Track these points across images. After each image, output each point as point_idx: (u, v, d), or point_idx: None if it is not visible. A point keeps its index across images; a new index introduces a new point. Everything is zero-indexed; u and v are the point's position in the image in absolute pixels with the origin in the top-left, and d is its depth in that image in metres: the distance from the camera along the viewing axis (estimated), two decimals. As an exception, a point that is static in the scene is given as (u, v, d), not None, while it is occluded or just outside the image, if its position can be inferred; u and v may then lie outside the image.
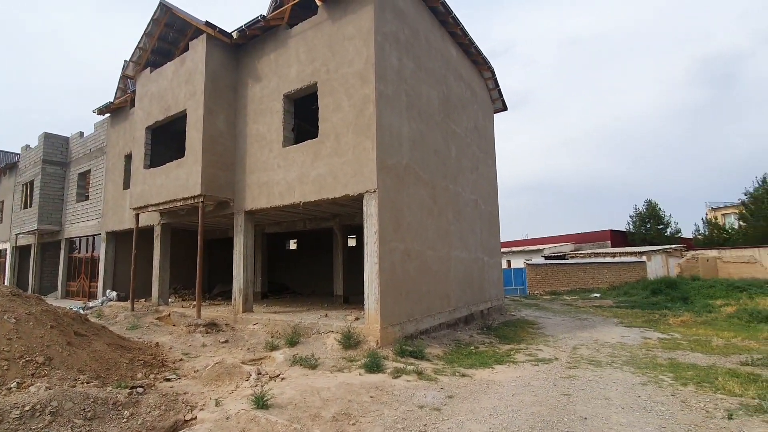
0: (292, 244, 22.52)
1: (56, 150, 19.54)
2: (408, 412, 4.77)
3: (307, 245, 21.23)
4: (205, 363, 7.15)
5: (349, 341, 7.93)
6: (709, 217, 38.57)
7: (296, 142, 10.26)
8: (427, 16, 11.13)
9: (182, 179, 11.13)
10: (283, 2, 10.40)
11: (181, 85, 11.50)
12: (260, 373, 6.48)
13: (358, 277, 9.70)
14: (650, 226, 38.17)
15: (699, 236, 36.65)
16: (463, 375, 6.55)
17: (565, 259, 29.93)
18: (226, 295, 16.58)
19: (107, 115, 16.97)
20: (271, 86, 10.60)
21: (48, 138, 19.38)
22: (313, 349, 7.88)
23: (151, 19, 12.48)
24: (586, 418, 4.60)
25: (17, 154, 23.52)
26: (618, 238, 37.67)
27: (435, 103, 11.18)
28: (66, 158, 19.69)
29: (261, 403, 4.69)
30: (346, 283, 14.73)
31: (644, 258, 25.80)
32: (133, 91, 14.42)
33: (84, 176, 18.75)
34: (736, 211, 35.14)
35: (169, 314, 11.82)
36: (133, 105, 14.98)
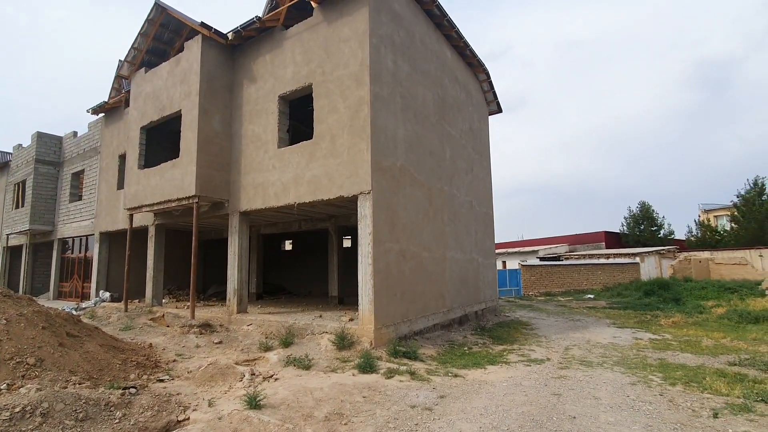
0: (288, 245, 22.51)
1: (49, 149, 19.42)
2: (400, 412, 4.80)
3: (302, 246, 21.22)
4: (198, 364, 7.15)
5: (343, 342, 7.96)
6: (701, 219, 38.93)
7: (291, 143, 10.29)
8: (423, 19, 11.19)
9: (177, 180, 11.11)
10: (279, 4, 10.43)
11: (176, 86, 11.49)
12: (254, 374, 6.49)
13: (353, 278, 9.73)
14: (644, 228, 38.50)
15: (692, 238, 37.00)
16: (456, 375, 6.59)
17: (559, 260, 30.10)
18: (221, 296, 16.56)
19: (101, 114, 16.90)
20: (267, 87, 10.61)
21: (41, 137, 19.25)
22: (307, 349, 7.89)
23: (147, 19, 12.47)
24: (575, 417, 4.66)
25: (8, 153, 23.34)
26: (612, 239, 37.95)
27: (430, 105, 11.24)
28: (59, 158, 19.58)
29: (254, 403, 4.71)
30: (341, 284, 14.76)
31: (638, 259, 25.99)
32: (128, 91, 14.38)
33: (77, 176, 18.65)
34: (728, 213, 35.51)
35: (163, 315, 11.79)
36: (127, 105, 14.94)
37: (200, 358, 7.77)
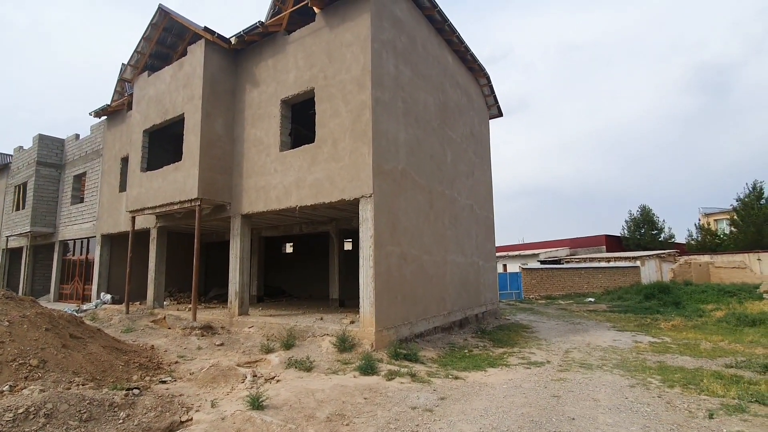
0: (288, 248, 22.57)
1: (51, 152, 19.52)
2: (401, 413, 4.85)
3: (303, 249, 21.28)
4: (200, 365, 7.19)
5: (344, 344, 8.00)
6: (702, 222, 39.01)
7: (293, 147, 10.36)
8: (424, 24, 11.30)
9: (179, 182, 11.19)
10: (282, 9, 10.55)
11: (179, 89, 11.59)
12: (256, 376, 6.54)
13: (354, 281, 9.78)
14: (644, 232, 38.59)
15: (692, 241, 37.08)
16: (456, 377, 6.63)
17: (560, 263, 30.14)
18: (222, 299, 16.61)
19: (104, 117, 17.00)
20: (269, 91, 10.70)
21: (43, 140, 19.36)
22: (309, 351, 7.94)
23: (150, 23, 12.58)
24: (573, 419, 4.70)
25: (8, 155, 23.45)
26: (613, 242, 38.01)
27: (431, 110, 11.33)
28: (61, 160, 19.67)
29: (256, 404, 4.76)
30: (342, 287, 14.80)
31: (638, 263, 26.03)
32: (130, 94, 14.49)
33: (79, 178, 18.74)
34: (729, 217, 35.58)
35: (165, 317, 11.82)
36: (130, 108, 15.04)
37: (202, 359, 7.81)
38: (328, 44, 9.62)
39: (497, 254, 18.76)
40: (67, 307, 14.48)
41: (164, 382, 6.35)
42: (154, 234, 13.67)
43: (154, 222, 13.63)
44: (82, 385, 5.38)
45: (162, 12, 12.33)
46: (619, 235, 39.88)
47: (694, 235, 37.71)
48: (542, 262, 31.05)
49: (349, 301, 14.87)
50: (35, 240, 19.93)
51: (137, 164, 12.92)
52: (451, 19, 11.71)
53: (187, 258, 17.00)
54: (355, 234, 17.61)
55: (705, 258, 26.96)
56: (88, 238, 17.55)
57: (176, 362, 7.58)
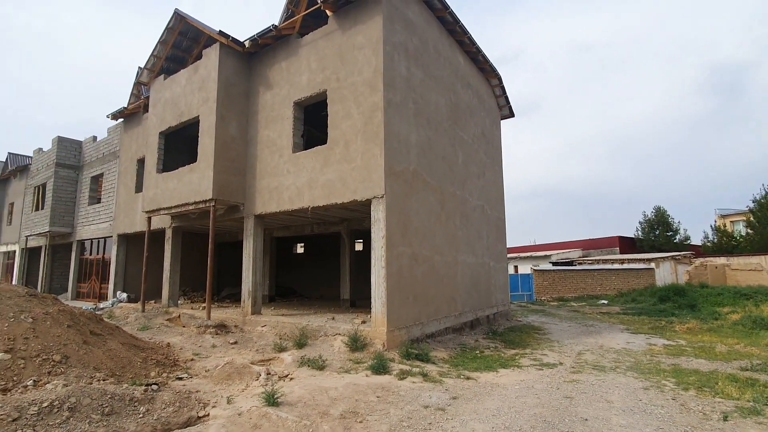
0: (299, 248, 22.75)
1: (69, 153, 19.98)
2: (413, 412, 4.90)
3: (314, 249, 21.43)
4: (215, 363, 7.33)
5: (356, 344, 8.07)
6: (717, 224, 38.30)
7: (306, 148, 10.48)
8: (436, 26, 11.34)
9: (194, 183, 11.39)
10: (295, 12, 10.68)
11: (195, 92, 11.80)
12: (269, 373, 6.64)
13: (365, 282, 9.85)
14: (659, 233, 38.02)
15: (708, 243, 36.45)
16: (468, 378, 6.66)
17: (572, 265, 29.86)
18: (234, 298, 16.81)
19: (120, 120, 17.36)
20: (282, 94, 10.85)
21: (61, 142, 19.82)
22: (321, 350, 8.02)
23: (166, 27, 12.83)
24: (587, 420, 4.70)
25: (27, 156, 24.04)
26: (626, 244, 37.52)
27: (443, 111, 11.36)
28: (79, 162, 20.12)
29: (272, 400, 4.85)
30: (353, 287, 14.88)
31: (653, 265, 25.69)
32: (147, 97, 14.78)
33: (96, 179, 19.14)
34: (745, 218, 34.89)
35: (179, 316, 12.04)
36: (146, 110, 15.35)
37: (217, 357, 7.95)
38: (341, 47, 9.72)
39: (508, 255, 18.68)
40: (85, 306, 14.81)
41: (181, 378, 6.48)
42: (169, 234, 13.92)
43: (169, 222, 13.88)
44: (103, 380, 5.53)
45: (178, 16, 12.57)
46: (633, 236, 39.34)
47: (710, 237, 37.07)
48: (554, 264, 30.78)
49: (360, 302, 14.95)
50: (54, 239, 20.40)
51: (153, 166, 13.18)
52: (462, 20, 11.74)
53: (201, 258, 17.26)
54: (365, 234, 17.70)
55: (721, 260, 26.49)
56: (104, 237, 17.92)
57: (192, 359, 7.73)
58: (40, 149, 21.47)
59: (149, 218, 13.46)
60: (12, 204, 24.55)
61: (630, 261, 28.01)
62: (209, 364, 7.29)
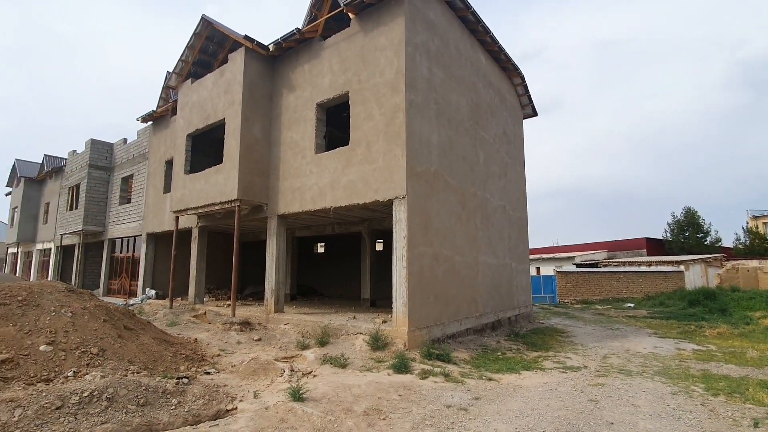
0: (320, 248, 23.01)
1: (101, 155, 20.77)
2: (436, 411, 4.94)
3: (334, 249, 21.64)
4: (240, 359, 7.52)
5: (377, 343, 8.15)
6: (749, 225, 36.81)
7: (328, 149, 10.63)
8: (457, 26, 11.32)
9: (220, 184, 11.70)
10: (318, 16, 10.85)
11: (221, 95, 12.12)
12: (293, 370, 6.79)
13: (386, 281, 9.92)
14: (689, 235, 36.78)
15: (739, 245, 35.08)
16: (490, 379, 6.64)
17: (597, 267, 29.20)
18: (257, 296, 17.15)
19: (149, 122, 17.95)
20: (305, 95, 11.03)
21: (94, 144, 20.62)
22: (343, 349, 8.13)
23: (194, 33, 13.21)
24: (612, 423, 4.64)
25: (62, 158, 25.08)
26: (654, 246, 36.44)
27: (464, 111, 11.34)
28: (110, 163, 20.89)
29: (297, 396, 4.98)
30: (373, 287, 14.97)
31: (682, 267, 24.88)
32: (175, 101, 15.24)
33: (126, 180, 19.84)
34: (780, 220, 33.42)
35: (205, 312, 12.38)
36: (174, 113, 15.82)
37: (242, 353, 8.16)
38: (363, 49, 9.82)
39: (530, 257, 18.44)
40: (115, 302, 15.38)
41: (209, 373, 6.70)
42: (195, 233, 14.32)
43: (195, 222, 14.27)
44: (137, 372, 5.77)
45: (205, 22, 12.93)
46: (662, 238, 38.17)
47: (742, 239, 35.64)
48: (578, 266, 30.16)
49: (380, 301, 15.04)
50: (86, 238, 21.23)
51: (181, 167, 13.59)
52: (484, 18, 11.68)
53: (224, 256, 17.68)
54: (386, 235, 17.77)
55: (753, 263, 25.44)
56: (134, 236, 18.55)
57: (218, 355, 7.96)
58: (74, 151, 22.38)
59: (177, 218, 13.88)
60: (48, 204, 25.67)
61: (658, 263, 27.19)
62: (235, 360, 7.49)
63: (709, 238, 36.58)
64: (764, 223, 36.61)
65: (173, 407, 4.81)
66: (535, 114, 17.16)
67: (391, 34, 9.25)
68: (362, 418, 4.62)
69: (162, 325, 10.61)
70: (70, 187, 21.92)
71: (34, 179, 26.99)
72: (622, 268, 26.20)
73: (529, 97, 16.34)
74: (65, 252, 23.82)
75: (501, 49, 13.12)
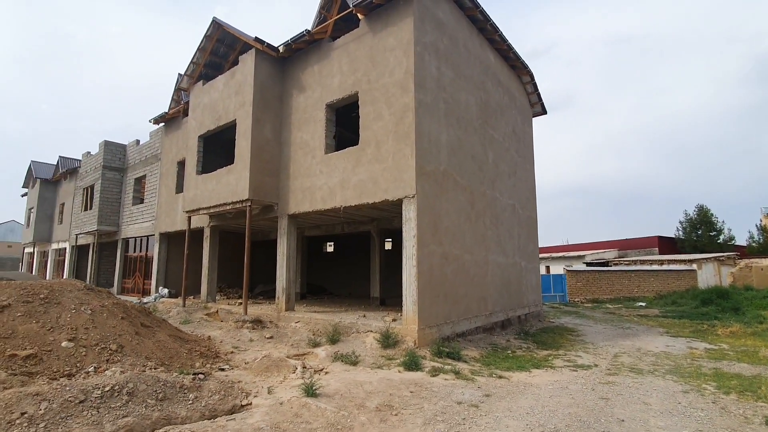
0: (329, 247, 23.17)
1: (115, 156, 21.14)
2: (447, 407, 5.00)
3: (343, 248, 21.78)
4: (253, 356, 7.66)
5: (388, 341, 8.23)
6: (763, 223, 36.20)
7: (338, 149, 10.73)
8: (466, 25, 11.34)
9: (232, 184, 11.87)
10: (327, 17, 10.95)
11: (231, 97, 12.29)
12: (305, 367, 6.90)
13: (395, 280, 10.00)
14: (701, 233, 36.33)
15: (753, 244, 34.56)
16: (500, 377, 6.69)
17: (608, 266, 28.96)
18: (267, 295, 17.34)
19: (161, 124, 18.22)
20: (315, 96, 11.14)
21: (108, 145, 20.99)
22: (353, 347, 8.22)
23: (205, 35, 13.40)
24: (623, 421, 4.67)
25: (77, 159, 25.55)
26: (666, 244, 36.04)
27: (473, 110, 11.36)
28: (123, 164, 21.25)
29: (310, 391, 5.08)
30: (382, 286, 15.06)
31: (694, 266, 24.58)
32: (186, 102, 15.47)
33: (139, 181, 20.17)
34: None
35: (217, 311, 12.57)
36: (185, 115, 16.06)
37: (254, 350, 8.29)
38: (372, 49, 9.89)
39: (540, 255, 18.39)
40: (130, 300, 15.66)
41: (223, 369, 6.84)
42: (207, 233, 14.53)
43: (207, 221, 14.48)
44: (154, 368, 5.92)
45: (216, 24, 13.11)
46: (674, 236, 37.73)
47: (756, 237, 35.10)
48: (588, 264, 29.95)
49: (389, 300, 15.12)
50: (101, 238, 21.63)
51: (193, 167, 13.79)
52: (492, 16, 11.69)
53: (234, 256, 17.88)
54: (395, 234, 17.85)
55: (767, 261, 25.02)
56: (147, 236, 18.87)
57: (231, 352, 8.10)
58: (88, 153, 22.79)
59: (189, 218, 14.09)
60: (63, 204, 26.17)
61: (670, 262, 26.88)
62: (248, 357, 7.63)
63: (722, 237, 36.08)
64: (779, 221, 36.01)
65: (190, 402, 4.94)
66: (544, 112, 17.10)
67: (400, 34, 9.31)
68: (375, 413, 4.71)
69: (176, 323, 10.80)
70: (84, 188, 22.33)
71: (49, 180, 27.55)
72: (633, 267, 25.96)
73: (539, 95, 16.29)
74: (80, 251, 24.27)
75: (510, 48, 13.11)
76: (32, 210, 28.34)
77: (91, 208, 21.36)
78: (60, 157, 26.10)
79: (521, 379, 6.59)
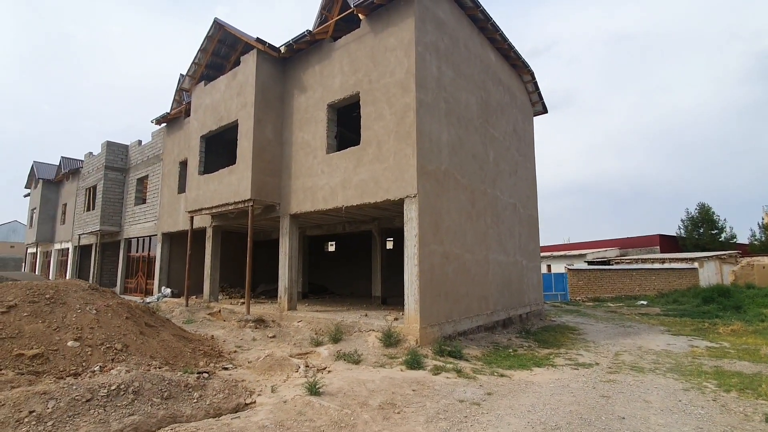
0: (331, 247, 23.22)
1: (117, 157, 21.21)
2: (449, 405, 5.05)
3: (345, 247, 21.83)
4: (256, 355, 7.72)
5: (390, 340, 8.28)
6: (765, 221, 36.16)
7: (339, 149, 10.77)
8: (466, 24, 11.37)
9: (234, 185, 11.92)
10: (328, 17, 10.98)
11: (233, 97, 12.34)
12: (308, 366, 6.96)
13: (396, 279, 10.04)
14: (703, 231, 36.32)
15: (755, 242, 34.54)
16: (502, 375, 6.73)
17: (609, 264, 28.97)
18: (269, 294, 17.41)
19: (163, 124, 18.28)
20: (316, 96, 11.18)
21: (110, 146, 21.07)
22: (356, 346, 8.28)
23: (206, 36, 13.45)
24: (624, 418, 4.71)
25: (79, 160, 25.65)
26: (668, 243, 36.04)
27: (474, 109, 11.39)
28: (125, 164, 21.33)
29: (314, 390, 5.13)
30: (384, 285, 15.11)
31: (696, 264, 24.61)
32: (188, 103, 15.52)
33: (142, 181, 20.24)
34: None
35: (220, 310, 12.63)
36: (187, 115, 16.11)
37: (257, 350, 8.35)
38: (373, 49, 9.93)
39: (541, 254, 18.41)
40: (133, 300, 15.73)
41: (226, 368, 6.89)
42: (209, 233, 14.59)
43: (209, 221, 14.54)
44: (158, 367, 5.98)
45: (217, 25, 13.15)
46: (675, 234, 37.72)
47: (757, 235, 35.06)
48: (590, 263, 29.97)
49: (391, 299, 15.17)
50: (103, 238, 21.72)
51: (195, 168, 13.85)
52: (492, 14, 11.70)
53: (237, 255, 17.96)
54: (396, 233, 17.89)
55: (770, 260, 25.03)
56: (149, 236, 18.94)
57: (235, 351, 8.16)
58: (91, 153, 22.87)
59: (191, 218, 14.15)
60: (65, 205, 26.28)
61: (671, 260, 26.90)
62: (251, 356, 7.69)
63: (723, 235, 36.07)
64: (781, 219, 35.97)
65: (195, 401, 5.00)
66: (545, 111, 17.11)
67: (401, 34, 9.35)
68: (377, 411, 4.76)
69: (179, 323, 10.86)
70: (86, 188, 22.42)
71: (51, 181, 27.66)
72: (634, 266, 25.98)
73: (540, 94, 16.31)
74: (83, 251, 24.37)
75: (510, 47, 13.13)
76: (35, 210, 28.45)
77: (93, 209, 21.45)
78: (62, 157, 26.18)
79: (523, 378, 6.63)
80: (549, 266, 32.37)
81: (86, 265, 23.97)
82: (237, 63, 13.10)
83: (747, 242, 35.91)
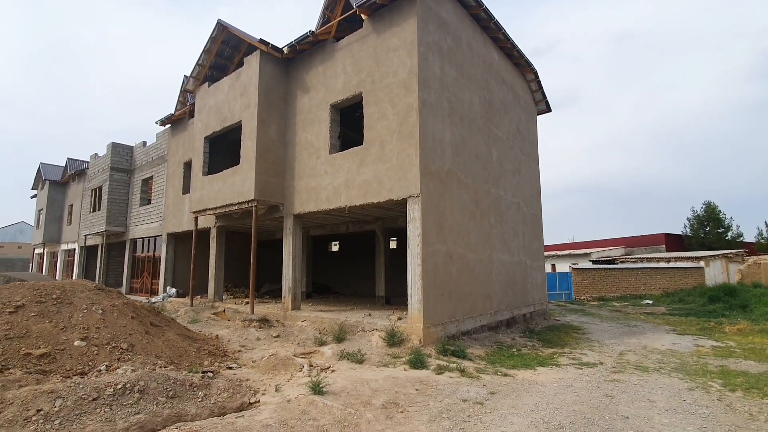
0: (334, 246, 23.27)
1: (122, 158, 21.37)
2: (452, 405, 5.06)
3: (348, 247, 21.87)
4: (260, 354, 7.76)
5: (393, 339, 8.30)
6: (774, 220, 35.82)
7: (342, 149, 10.79)
8: (469, 23, 11.36)
9: (238, 185, 11.98)
10: (331, 18, 11.02)
11: (237, 98, 12.40)
12: (312, 365, 6.99)
13: (400, 279, 10.04)
14: (709, 230, 36.07)
15: (762, 240, 34.26)
16: (505, 375, 6.73)
17: (614, 263, 28.84)
18: (273, 294, 17.47)
19: (168, 125, 18.39)
20: (319, 97, 11.22)
21: (115, 147, 21.23)
22: (359, 345, 8.30)
23: (210, 37, 13.52)
24: (627, 418, 4.70)
25: (85, 161, 25.84)
26: (673, 242, 35.82)
27: (477, 108, 11.38)
28: (130, 165, 21.48)
29: (317, 389, 5.16)
30: (387, 285, 15.13)
31: (702, 263, 24.44)
32: (192, 104, 15.61)
33: (147, 182, 20.37)
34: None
35: (224, 310, 12.70)
36: (191, 116, 16.20)
37: (262, 349, 8.40)
38: (375, 49, 9.95)
39: (546, 254, 18.36)
40: (138, 300, 15.84)
41: (231, 368, 6.94)
42: (214, 233, 14.67)
43: (213, 222, 14.62)
44: (164, 367, 6.03)
45: (221, 26, 13.22)
46: (681, 233, 37.49)
47: (764, 234, 34.78)
48: (594, 262, 29.84)
49: (394, 299, 15.18)
50: (109, 238, 21.88)
51: (199, 168, 13.93)
52: (495, 14, 11.68)
53: (241, 255, 18.04)
54: (400, 233, 17.90)
55: (778, 258, 24.81)
56: (155, 236, 19.06)
57: (239, 351, 8.21)
58: (96, 155, 23.05)
59: (196, 218, 14.24)
60: (71, 205, 26.50)
61: (677, 259, 26.74)
62: (255, 356, 7.73)
63: (729, 233, 35.81)
64: (788, 218, 35.62)
65: (200, 399, 5.04)
66: (548, 110, 17.06)
67: (404, 35, 9.35)
68: (381, 410, 4.78)
69: (184, 322, 10.93)
70: (92, 189, 22.59)
71: (58, 182, 27.88)
72: (639, 265, 25.84)
73: (543, 92, 16.25)
74: (89, 252, 24.56)
75: (513, 46, 13.10)
76: (41, 211, 28.71)
77: (99, 209, 21.61)
78: (68, 158, 26.41)
79: (526, 377, 6.63)
80: (553, 265, 32.27)
81: (92, 265, 24.15)
82: (240, 64, 13.17)
83: (754, 241, 35.64)
